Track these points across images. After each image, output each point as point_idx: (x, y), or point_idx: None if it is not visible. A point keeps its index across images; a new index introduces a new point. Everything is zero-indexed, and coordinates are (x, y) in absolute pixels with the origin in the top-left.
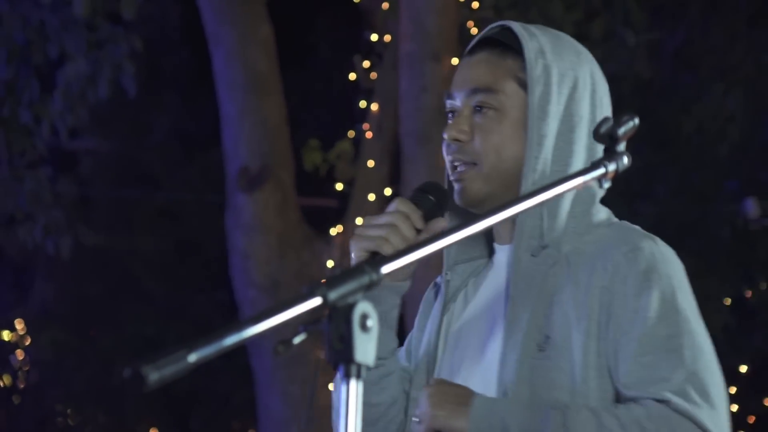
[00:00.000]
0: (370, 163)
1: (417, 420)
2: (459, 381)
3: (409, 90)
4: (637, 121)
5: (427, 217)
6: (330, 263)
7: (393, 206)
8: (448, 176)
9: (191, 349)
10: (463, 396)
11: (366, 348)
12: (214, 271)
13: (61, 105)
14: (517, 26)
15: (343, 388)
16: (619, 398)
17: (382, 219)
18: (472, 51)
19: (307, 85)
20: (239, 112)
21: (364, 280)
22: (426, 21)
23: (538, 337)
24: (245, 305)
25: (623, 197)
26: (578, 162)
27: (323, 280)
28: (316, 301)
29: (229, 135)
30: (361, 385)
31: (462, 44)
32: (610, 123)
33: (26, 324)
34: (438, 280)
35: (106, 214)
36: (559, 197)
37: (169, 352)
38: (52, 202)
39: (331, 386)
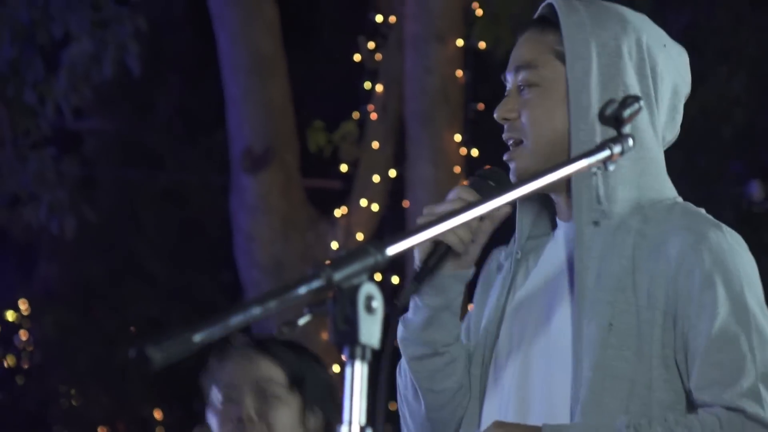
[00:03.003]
0: (375, 144)
1: None
2: (520, 353)
3: (413, 71)
4: (642, 103)
5: None
6: (334, 245)
7: (454, 193)
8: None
9: (196, 329)
10: (531, 427)
11: (371, 329)
12: (218, 252)
13: (65, 85)
14: (559, 2)
15: (348, 370)
16: (690, 397)
17: (441, 207)
18: (521, 32)
19: (311, 67)
20: (244, 93)
21: (369, 261)
22: (431, 2)
23: (607, 322)
24: (249, 286)
25: None
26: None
27: (328, 262)
28: (321, 282)
29: (233, 116)
30: (366, 366)
31: (467, 25)
32: (616, 105)
33: (30, 304)
34: (496, 254)
35: (110, 195)
36: (618, 166)
37: (174, 333)
38: (56, 183)
39: (334, 368)
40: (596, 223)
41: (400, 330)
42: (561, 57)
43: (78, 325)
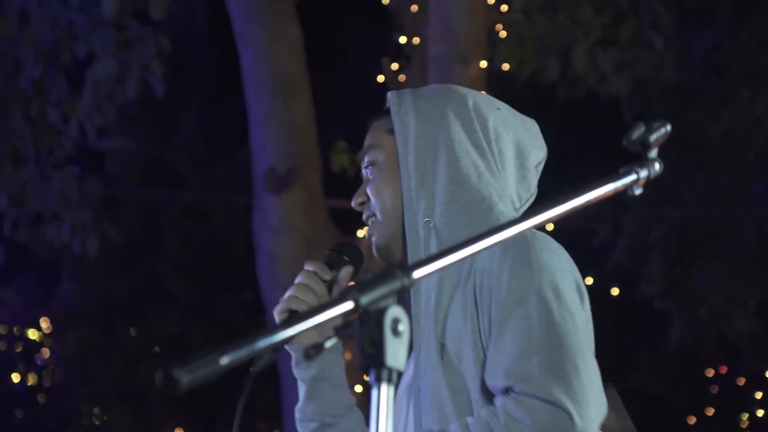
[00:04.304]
0: None
1: None
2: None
3: None
4: (669, 127)
5: None
6: None
7: (304, 267)
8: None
9: (223, 351)
10: None
11: (397, 352)
12: (241, 271)
13: (88, 104)
14: (392, 92)
15: (374, 393)
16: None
17: (295, 281)
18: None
19: (335, 87)
20: (267, 112)
21: (396, 284)
22: (455, 23)
23: (436, 347)
24: (272, 306)
25: (650, 201)
26: (441, 184)
27: (354, 284)
28: (348, 305)
29: (256, 136)
30: (392, 389)
31: (490, 47)
32: (642, 129)
33: (52, 323)
34: None
35: (132, 214)
36: (448, 210)
37: (201, 355)
38: (79, 202)
39: (357, 388)
40: None
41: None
42: (392, 132)
43: (100, 343)
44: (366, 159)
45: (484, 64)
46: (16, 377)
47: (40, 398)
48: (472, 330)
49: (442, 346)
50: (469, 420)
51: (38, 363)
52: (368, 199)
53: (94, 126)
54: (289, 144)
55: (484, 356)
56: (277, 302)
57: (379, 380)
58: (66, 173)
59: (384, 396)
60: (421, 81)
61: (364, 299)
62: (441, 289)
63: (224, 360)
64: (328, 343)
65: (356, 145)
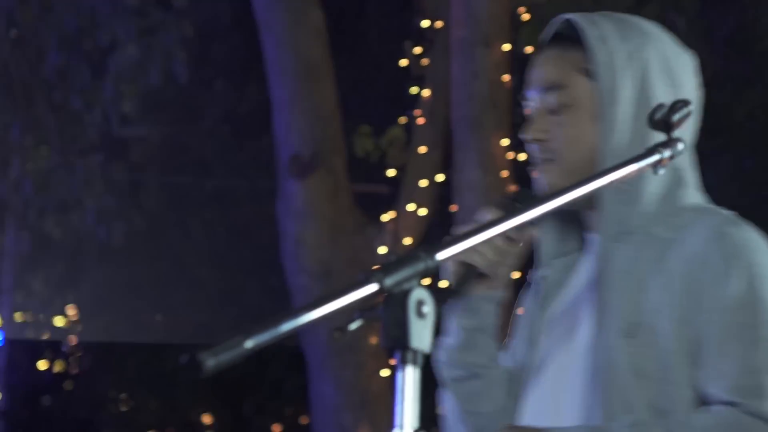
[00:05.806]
0: (422, 149)
1: None
2: (548, 371)
3: (460, 76)
4: (692, 107)
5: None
6: (382, 249)
7: (480, 215)
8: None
9: (248, 335)
10: (535, 429)
11: (422, 334)
12: (266, 256)
13: (112, 92)
14: (577, 17)
15: (399, 375)
16: (697, 389)
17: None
18: (540, 49)
19: (358, 72)
20: (290, 98)
21: (420, 266)
22: (477, 7)
23: (628, 324)
24: (297, 291)
25: None
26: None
27: (378, 267)
28: (372, 288)
29: (280, 122)
30: (417, 371)
31: (513, 30)
32: (665, 109)
33: (78, 310)
34: (533, 278)
35: (157, 200)
36: (639, 179)
37: (225, 338)
38: (104, 189)
39: (383, 373)
40: (618, 241)
41: (438, 353)
42: (588, 74)
43: (126, 330)
44: (552, 98)
45: (507, 47)
46: (43, 364)
47: (67, 385)
48: (679, 319)
49: (635, 326)
50: (691, 421)
51: (65, 350)
52: (549, 139)
53: (117, 113)
54: (312, 129)
55: (688, 348)
56: (302, 287)
57: (404, 362)
58: (90, 161)
59: (409, 378)
60: (444, 65)
61: (389, 281)
62: (637, 264)
63: (249, 343)
64: (353, 326)
65: (379, 130)
